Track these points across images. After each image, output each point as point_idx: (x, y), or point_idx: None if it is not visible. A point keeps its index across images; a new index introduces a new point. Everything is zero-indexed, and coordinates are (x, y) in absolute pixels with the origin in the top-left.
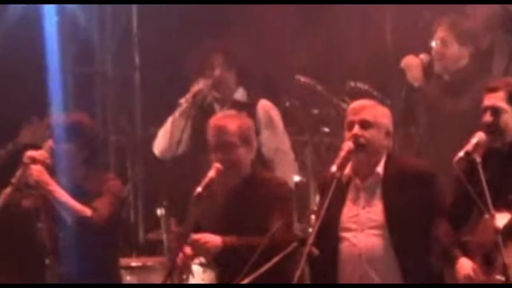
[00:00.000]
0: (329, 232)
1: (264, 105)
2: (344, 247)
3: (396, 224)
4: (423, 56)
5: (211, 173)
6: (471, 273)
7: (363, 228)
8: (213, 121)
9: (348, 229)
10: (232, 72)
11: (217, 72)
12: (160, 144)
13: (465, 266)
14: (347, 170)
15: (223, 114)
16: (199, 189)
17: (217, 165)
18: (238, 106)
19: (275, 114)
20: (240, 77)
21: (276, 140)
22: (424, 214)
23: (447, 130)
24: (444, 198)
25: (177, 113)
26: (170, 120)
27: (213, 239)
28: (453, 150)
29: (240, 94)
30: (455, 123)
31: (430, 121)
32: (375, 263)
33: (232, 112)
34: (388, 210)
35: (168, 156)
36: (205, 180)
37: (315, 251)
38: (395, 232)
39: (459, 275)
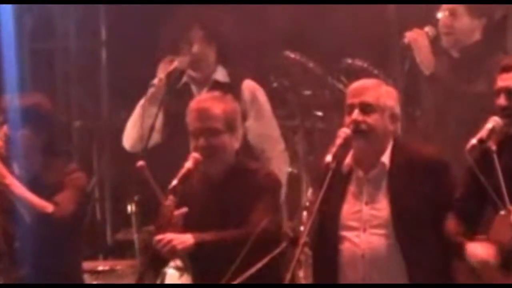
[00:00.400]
0: (328, 231)
1: (249, 86)
2: (345, 247)
3: (403, 222)
4: (428, 29)
5: (188, 164)
6: (487, 256)
7: (365, 226)
8: (194, 103)
9: (350, 228)
10: (211, 48)
11: (195, 47)
12: (129, 136)
13: (477, 250)
14: (348, 159)
15: (206, 96)
16: (174, 182)
17: (195, 154)
18: (219, 87)
19: (262, 96)
20: (221, 54)
21: (264, 126)
22: (436, 211)
23: (457, 114)
24: (455, 191)
25: (147, 97)
26: (139, 107)
27: (181, 238)
28: (464, 137)
29: (220, 74)
30: (466, 106)
31: (438, 103)
32: (379, 265)
33: (216, 93)
34: (394, 206)
35: (140, 149)
36: (182, 171)
37: (308, 253)
38: (401, 231)
39: (473, 263)
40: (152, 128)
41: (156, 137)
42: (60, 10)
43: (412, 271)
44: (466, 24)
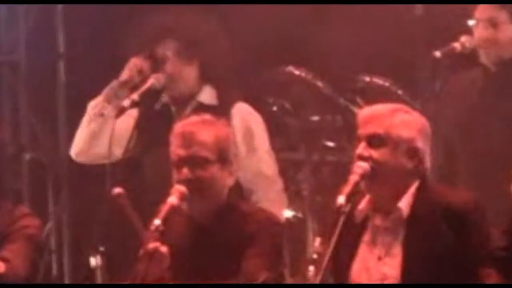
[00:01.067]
0: None
1: (241, 111)
2: None
3: (414, 285)
4: (465, 39)
5: (172, 199)
6: None
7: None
8: (179, 127)
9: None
10: (192, 64)
11: (169, 64)
12: (78, 140)
13: None
14: (363, 204)
15: (193, 118)
16: (156, 221)
17: (179, 187)
18: (204, 111)
19: (257, 124)
20: (205, 71)
21: (258, 162)
22: (462, 275)
23: (494, 143)
24: (490, 243)
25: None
26: (92, 103)
27: None
28: (505, 172)
29: (206, 95)
30: (505, 134)
31: (473, 129)
32: None
33: (207, 116)
34: (406, 265)
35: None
36: (164, 208)
37: None
38: None
39: None
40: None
41: (118, 153)
42: (6, 16)
43: None
44: (509, 34)
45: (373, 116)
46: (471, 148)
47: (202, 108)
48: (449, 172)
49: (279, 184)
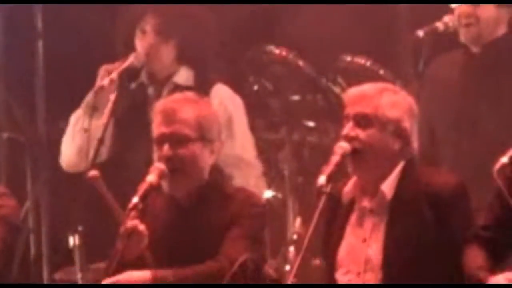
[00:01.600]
0: (328, 273)
1: (220, 94)
2: None
3: (394, 271)
4: (448, 19)
5: (151, 177)
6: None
7: (359, 270)
8: (162, 104)
9: (344, 270)
10: (168, 44)
11: (147, 38)
12: (66, 154)
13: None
14: (350, 186)
15: (176, 96)
16: (135, 199)
17: (158, 165)
18: (180, 92)
19: (236, 108)
20: (183, 52)
21: (237, 146)
22: (442, 262)
23: (479, 126)
24: (471, 225)
25: (91, 103)
26: (76, 117)
27: (138, 277)
28: (489, 155)
29: (182, 76)
30: (491, 116)
31: (456, 112)
32: None
33: (190, 94)
34: (387, 249)
35: (80, 168)
36: (143, 186)
37: None
38: (392, 280)
39: None
40: (101, 141)
41: (103, 153)
42: None
43: None
44: (491, 13)
45: (360, 96)
46: (455, 131)
47: (178, 89)
48: (433, 155)
49: (258, 168)
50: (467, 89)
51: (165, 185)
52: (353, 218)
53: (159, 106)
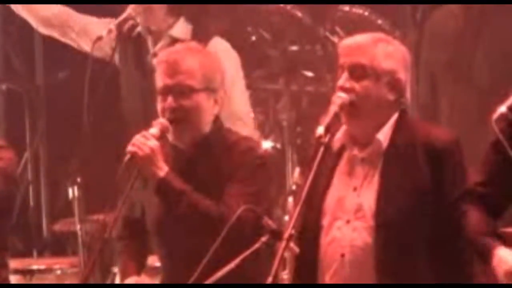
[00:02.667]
0: (310, 220)
1: (217, 48)
2: (325, 242)
3: (387, 220)
4: None
5: (154, 131)
6: None
7: (349, 217)
8: (164, 55)
9: (332, 217)
10: None
11: None
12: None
13: (506, 258)
14: (340, 134)
15: (179, 46)
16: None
17: (161, 120)
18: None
19: (232, 63)
20: (175, 4)
21: (230, 103)
22: (437, 212)
23: (477, 77)
24: (466, 180)
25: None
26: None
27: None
28: (484, 106)
29: (180, 29)
30: (486, 65)
31: (449, 64)
32: (361, 270)
33: (193, 44)
34: (381, 198)
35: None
36: None
37: (295, 249)
38: (384, 232)
39: (498, 271)
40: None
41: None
42: None
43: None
44: None
45: (355, 46)
46: (452, 82)
47: (175, 42)
48: (432, 105)
49: (250, 126)
50: (464, 40)
51: (169, 135)
52: (342, 166)
53: (162, 56)
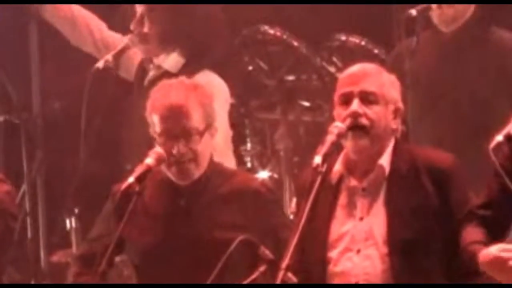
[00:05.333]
0: (314, 253)
1: (202, 82)
2: (334, 274)
3: (402, 244)
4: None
5: (150, 160)
6: (499, 253)
7: (360, 247)
8: (162, 97)
9: (340, 249)
10: (156, 27)
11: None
12: None
13: (488, 250)
14: (338, 166)
15: (173, 84)
16: (130, 179)
17: (158, 150)
18: (164, 78)
19: (217, 98)
20: (168, 36)
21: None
22: (444, 231)
23: (459, 106)
24: (469, 201)
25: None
26: None
27: None
28: (469, 136)
29: (172, 63)
30: (469, 93)
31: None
32: None
33: (187, 81)
34: (392, 222)
35: None
36: (140, 168)
37: (293, 279)
38: (399, 255)
39: (485, 267)
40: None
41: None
42: None
43: None
44: None
45: (363, 74)
46: (437, 112)
47: (164, 74)
48: (418, 136)
49: (230, 163)
50: (443, 69)
51: (171, 174)
52: (342, 198)
53: (159, 100)
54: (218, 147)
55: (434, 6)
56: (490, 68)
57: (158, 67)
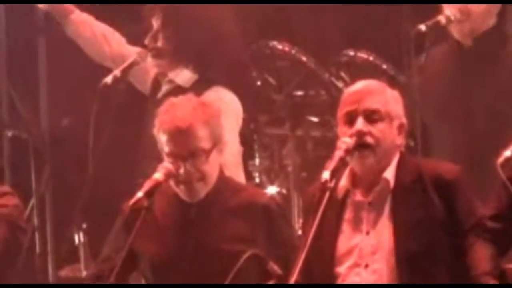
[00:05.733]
0: (322, 269)
1: (213, 98)
2: None
3: (409, 255)
4: (449, 11)
5: (158, 175)
6: None
7: (367, 261)
8: (171, 118)
9: (348, 264)
10: (170, 43)
11: (149, 38)
12: None
13: None
14: (344, 181)
15: (180, 103)
16: (139, 194)
17: (167, 165)
18: (177, 93)
19: (227, 114)
20: (185, 52)
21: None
22: (451, 242)
23: (473, 118)
24: (477, 212)
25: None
26: None
27: None
28: (483, 147)
29: (185, 78)
30: (483, 107)
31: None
32: None
33: (194, 100)
34: (398, 235)
35: None
36: (149, 183)
37: None
38: (406, 267)
39: None
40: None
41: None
42: None
43: None
44: (482, 7)
45: (368, 91)
46: (450, 123)
47: (176, 89)
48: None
49: (240, 178)
50: (460, 82)
51: (180, 192)
52: (348, 213)
53: (166, 119)
54: (228, 162)
55: (448, 19)
56: (506, 80)
57: (171, 81)
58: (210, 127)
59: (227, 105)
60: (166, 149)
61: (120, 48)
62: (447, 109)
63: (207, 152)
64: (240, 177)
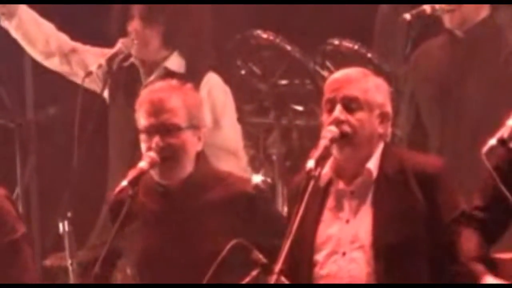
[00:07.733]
0: (301, 256)
1: (210, 83)
2: (320, 277)
3: (385, 247)
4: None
5: (143, 164)
6: None
7: (345, 250)
8: (148, 94)
9: (326, 252)
10: (155, 30)
11: (133, 25)
12: None
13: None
14: (327, 169)
15: (161, 84)
16: (124, 182)
17: (151, 154)
18: (171, 77)
19: (225, 98)
20: (170, 38)
21: (223, 137)
22: (432, 237)
23: (467, 110)
24: (460, 207)
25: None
26: None
27: None
28: (475, 137)
29: (174, 62)
30: (476, 97)
31: (443, 95)
32: None
33: (174, 82)
34: (377, 226)
35: None
36: (134, 172)
37: (285, 282)
38: (382, 259)
39: None
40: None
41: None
42: None
43: None
44: None
45: (347, 79)
46: (441, 113)
47: (169, 74)
48: (420, 139)
49: (243, 161)
50: (453, 73)
51: (155, 174)
52: (330, 201)
53: (145, 96)
54: (231, 147)
55: (439, 7)
56: (498, 71)
57: (162, 68)
58: (187, 107)
59: (227, 91)
60: (141, 124)
61: (68, 42)
62: (439, 99)
63: (180, 130)
64: (242, 160)
